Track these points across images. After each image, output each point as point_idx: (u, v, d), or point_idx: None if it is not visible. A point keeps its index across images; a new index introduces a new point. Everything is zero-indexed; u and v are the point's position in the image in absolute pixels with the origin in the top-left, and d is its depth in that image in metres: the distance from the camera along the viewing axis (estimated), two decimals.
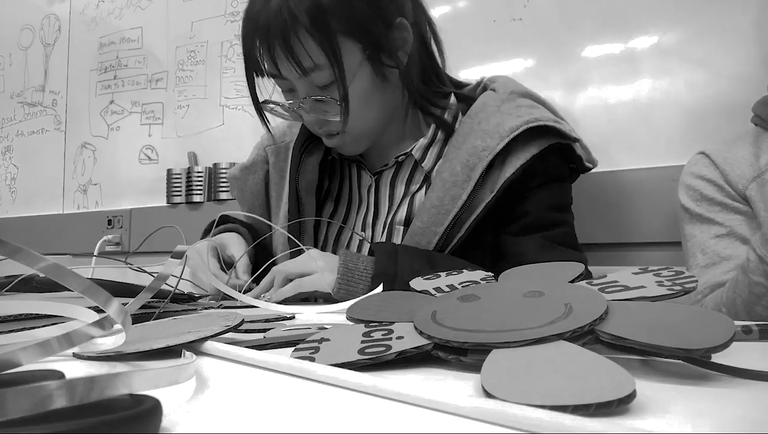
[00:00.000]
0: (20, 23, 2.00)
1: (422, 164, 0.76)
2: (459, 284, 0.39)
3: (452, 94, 0.79)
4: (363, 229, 0.79)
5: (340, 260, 0.66)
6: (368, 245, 0.77)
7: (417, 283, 0.41)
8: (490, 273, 0.41)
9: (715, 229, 0.75)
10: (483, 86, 0.81)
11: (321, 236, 0.81)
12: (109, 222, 1.66)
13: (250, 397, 0.22)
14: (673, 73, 0.96)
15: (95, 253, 1.58)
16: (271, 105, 0.75)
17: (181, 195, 1.53)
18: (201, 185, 1.50)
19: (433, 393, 0.20)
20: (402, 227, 0.74)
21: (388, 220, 0.77)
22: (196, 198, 1.49)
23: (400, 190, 0.78)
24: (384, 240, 0.75)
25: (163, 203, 1.56)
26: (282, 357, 0.26)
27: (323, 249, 0.80)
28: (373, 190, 0.80)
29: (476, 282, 0.39)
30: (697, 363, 0.25)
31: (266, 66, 0.70)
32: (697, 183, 0.78)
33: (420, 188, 0.77)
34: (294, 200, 0.79)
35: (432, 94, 0.78)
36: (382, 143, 0.79)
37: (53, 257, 0.22)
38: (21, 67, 1.99)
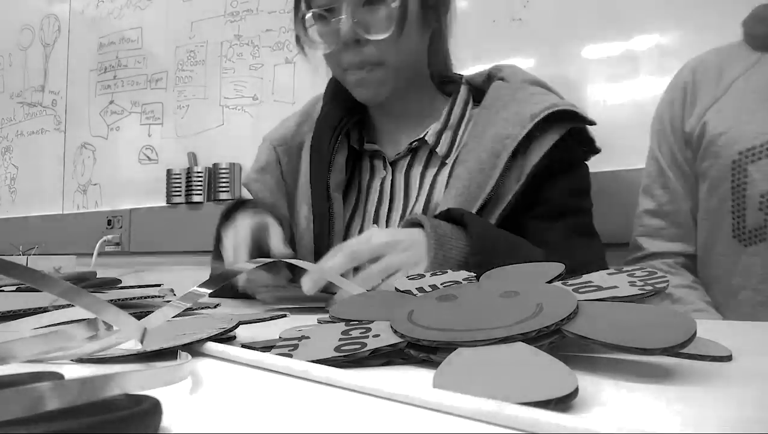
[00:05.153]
0: (20, 23, 2.00)
1: (437, 150, 0.75)
2: (441, 284, 0.39)
3: (461, 84, 0.80)
4: (376, 221, 0.77)
5: (427, 229, 0.56)
6: None
7: (401, 283, 0.41)
8: (472, 273, 0.42)
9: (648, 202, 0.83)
10: (488, 75, 0.82)
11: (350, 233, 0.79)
12: (109, 222, 1.66)
13: (248, 397, 0.22)
14: (673, 73, 0.95)
15: (95, 253, 1.58)
16: (314, 24, 0.72)
17: (180, 195, 1.53)
18: (201, 185, 1.50)
19: (433, 393, 0.20)
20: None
21: (407, 211, 0.75)
22: (196, 198, 1.50)
23: (415, 180, 0.77)
24: None
25: (163, 203, 1.56)
26: (280, 357, 0.26)
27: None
28: (388, 181, 0.78)
29: (458, 282, 0.39)
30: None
31: None
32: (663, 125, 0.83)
33: (437, 174, 0.76)
34: (324, 199, 0.76)
35: (447, 78, 0.81)
36: (399, 120, 0.79)
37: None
38: (21, 67, 1.99)
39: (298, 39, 0.74)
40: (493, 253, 0.57)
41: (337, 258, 0.53)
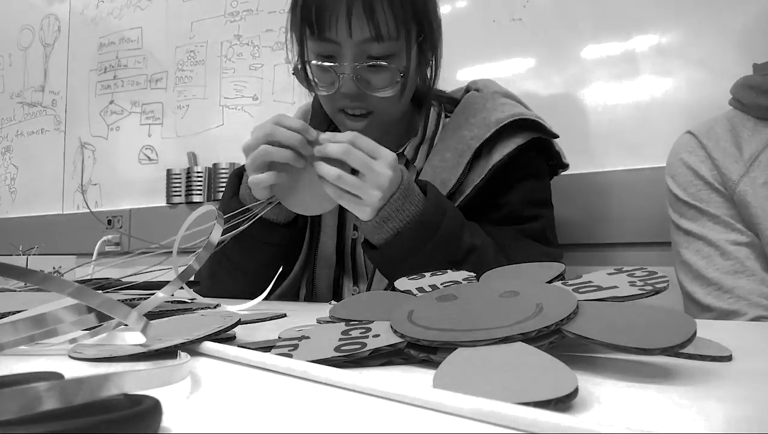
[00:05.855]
0: (20, 23, 2.00)
1: (414, 163, 0.78)
2: (441, 284, 0.39)
3: (432, 96, 0.82)
4: (355, 229, 0.80)
5: (398, 193, 0.61)
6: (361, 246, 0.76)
7: (401, 283, 0.41)
8: (472, 273, 0.42)
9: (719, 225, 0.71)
10: (466, 89, 0.85)
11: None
12: (109, 222, 1.66)
13: (248, 397, 0.22)
14: (673, 73, 0.96)
15: (95, 254, 1.58)
16: (318, 65, 0.70)
17: (180, 195, 1.53)
18: (201, 185, 1.50)
19: (433, 393, 0.20)
20: None
21: None
22: (196, 198, 1.49)
23: None
24: None
25: (163, 203, 1.56)
26: (280, 357, 0.26)
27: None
28: None
29: (458, 282, 0.39)
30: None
31: (331, 23, 0.66)
32: (688, 167, 0.75)
33: None
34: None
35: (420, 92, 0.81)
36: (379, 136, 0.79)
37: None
38: (21, 67, 1.99)
39: (297, 70, 0.74)
40: (441, 215, 0.62)
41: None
